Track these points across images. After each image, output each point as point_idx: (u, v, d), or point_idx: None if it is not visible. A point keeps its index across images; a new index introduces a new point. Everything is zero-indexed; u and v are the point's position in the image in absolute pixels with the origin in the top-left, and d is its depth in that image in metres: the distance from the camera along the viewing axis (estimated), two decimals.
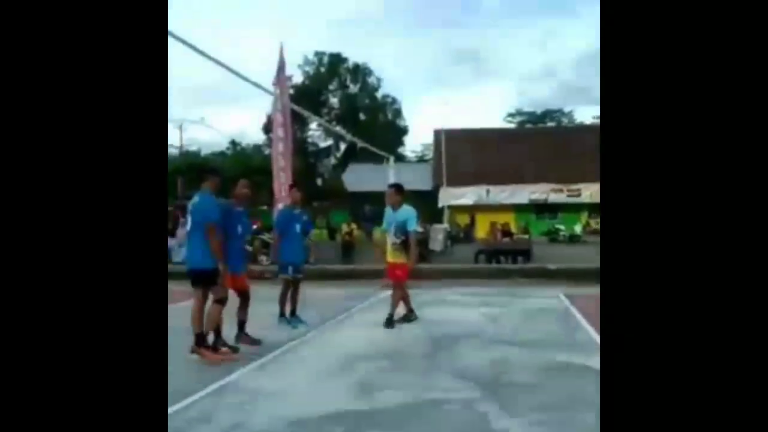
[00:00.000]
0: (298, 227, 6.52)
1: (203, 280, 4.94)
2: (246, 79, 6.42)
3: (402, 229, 6.42)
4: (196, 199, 5.08)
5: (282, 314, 6.48)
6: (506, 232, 15.83)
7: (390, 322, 6.44)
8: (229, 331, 5.48)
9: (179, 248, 14.15)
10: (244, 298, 5.60)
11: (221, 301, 4.98)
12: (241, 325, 5.64)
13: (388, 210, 6.63)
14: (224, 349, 5.25)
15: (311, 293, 8.27)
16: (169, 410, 3.66)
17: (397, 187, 6.71)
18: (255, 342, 5.61)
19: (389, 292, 6.86)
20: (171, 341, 4.95)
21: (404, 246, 6.45)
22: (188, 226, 5.08)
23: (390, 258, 6.61)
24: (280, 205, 7.70)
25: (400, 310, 6.75)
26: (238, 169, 24.22)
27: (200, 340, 4.92)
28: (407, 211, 6.47)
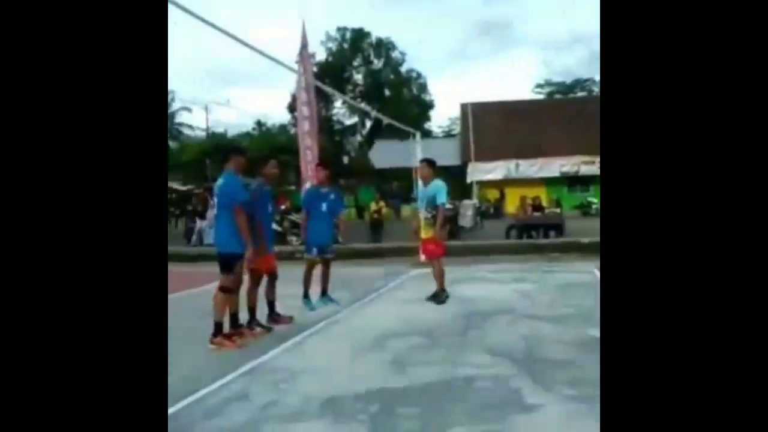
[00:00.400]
0: (324, 206, 6.42)
1: (224, 263, 4.85)
2: (269, 57, 6.37)
3: (432, 203, 6.42)
4: (220, 180, 4.99)
5: (306, 295, 6.42)
6: (537, 207, 15.57)
7: (437, 296, 6.47)
8: (260, 313, 5.55)
9: (209, 229, 14.38)
10: (272, 278, 5.64)
11: (228, 290, 4.84)
12: (271, 305, 5.70)
13: (420, 185, 6.63)
14: (257, 329, 5.33)
15: (341, 272, 8.30)
16: (204, 391, 3.74)
17: (428, 161, 6.72)
18: (287, 320, 5.69)
19: (421, 270, 6.86)
20: (203, 324, 5.06)
21: (435, 220, 6.42)
22: (215, 208, 5.09)
23: (423, 234, 6.61)
24: (307, 185, 7.64)
25: (433, 287, 6.72)
26: (264, 149, 24.32)
27: (217, 329, 4.84)
28: (437, 185, 6.47)
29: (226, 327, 4.95)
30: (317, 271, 6.53)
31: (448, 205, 15.82)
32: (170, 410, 3.41)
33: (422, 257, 6.72)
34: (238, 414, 3.33)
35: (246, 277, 5.27)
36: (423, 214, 6.55)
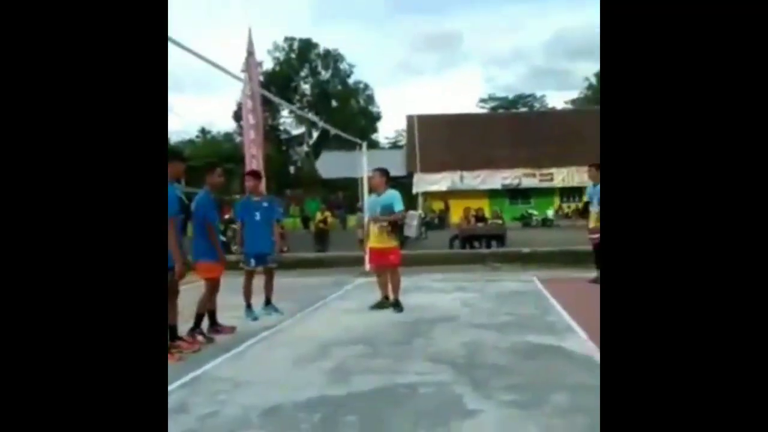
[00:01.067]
0: (258, 215, 6.29)
1: None
2: (214, 65, 6.27)
3: (389, 213, 6.44)
4: None
5: (248, 305, 6.35)
6: (480, 218, 15.94)
7: (398, 306, 6.51)
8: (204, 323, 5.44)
9: None
10: (215, 287, 5.56)
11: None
12: (212, 315, 5.60)
13: (371, 196, 6.63)
14: (199, 338, 5.27)
15: (286, 282, 8.23)
16: None
17: (382, 171, 6.68)
18: (229, 330, 5.61)
19: (366, 279, 6.88)
20: None
21: (393, 229, 6.46)
22: None
23: (377, 243, 6.58)
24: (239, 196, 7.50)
25: (377, 296, 6.77)
26: (209, 157, 23.84)
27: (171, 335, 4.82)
28: (392, 194, 6.53)
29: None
30: (259, 281, 6.45)
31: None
32: None
33: (368, 266, 6.71)
34: (175, 426, 3.24)
35: (197, 286, 5.21)
36: (378, 225, 6.51)
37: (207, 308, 5.52)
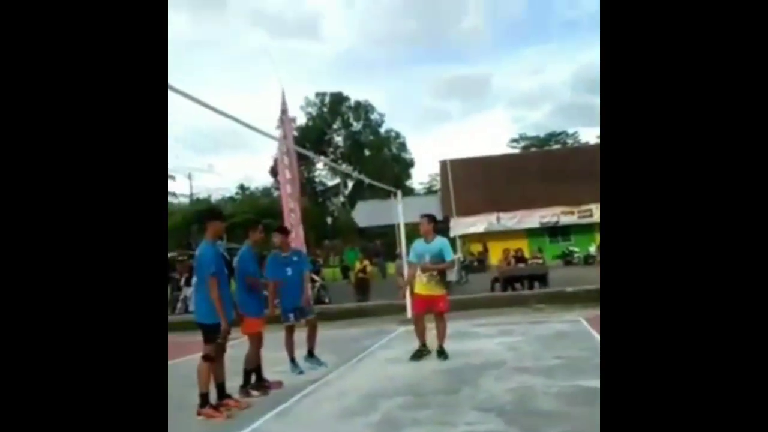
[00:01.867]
0: (289, 270, 6.34)
1: (204, 334, 4.82)
2: (250, 127, 6.55)
3: (439, 260, 6.42)
4: (198, 250, 5.00)
5: (292, 360, 6.38)
6: (520, 258, 15.72)
7: (443, 353, 6.44)
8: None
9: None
10: (259, 342, 5.64)
11: (209, 359, 4.82)
12: (258, 370, 5.66)
13: (418, 242, 6.60)
14: (253, 393, 5.37)
15: (329, 333, 8.26)
16: None
17: (429, 217, 6.69)
18: (277, 385, 5.66)
19: (408, 327, 6.84)
20: (192, 394, 4.99)
21: (442, 277, 6.47)
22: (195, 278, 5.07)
23: (424, 291, 6.51)
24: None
25: (415, 344, 6.71)
26: (248, 213, 24.41)
27: (203, 400, 4.79)
28: (442, 242, 6.53)
29: (213, 397, 4.88)
30: (301, 334, 6.50)
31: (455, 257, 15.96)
32: None
33: (410, 313, 6.63)
34: None
35: (242, 342, 5.30)
36: (428, 274, 6.45)
37: (254, 364, 5.59)
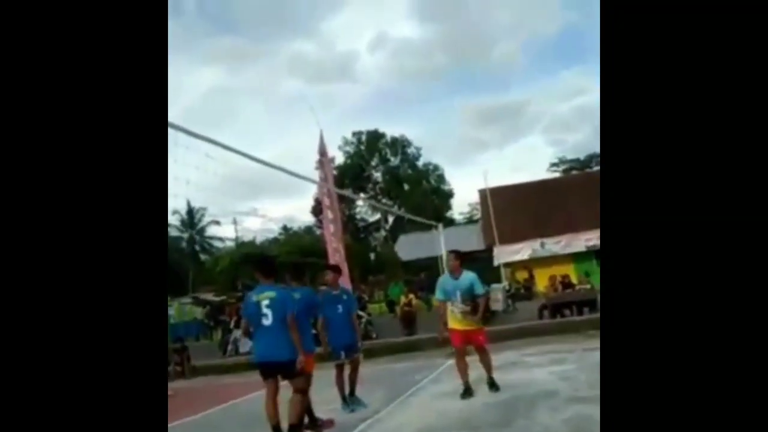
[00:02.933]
0: (340, 308, 6.43)
1: (282, 371, 5.06)
2: (290, 173, 6.81)
3: (470, 295, 6.33)
4: (272, 294, 5.18)
5: (344, 398, 6.41)
6: (567, 284, 15.42)
7: (494, 385, 6.40)
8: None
9: (244, 339, 14.52)
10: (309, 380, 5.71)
11: (303, 391, 5.08)
12: (309, 410, 5.70)
13: (445, 279, 6.55)
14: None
15: (378, 369, 8.28)
16: None
17: (456, 253, 6.66)
18: (329, 424, 5.71)
19: (454, 361, 6.79)
20: None
21: (474, 311, 6.36)
22: (266, 320, 5.16)
23: (460, 326, 6.39)
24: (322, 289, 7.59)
25: (458, 381, 6.61)
26: (293, 253, 24.84)
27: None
28: (470, 277, 6.41)
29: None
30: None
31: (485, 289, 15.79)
32: None
33: (454, 345, 6.51)
34: None
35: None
36: (459, 308, 6.36)
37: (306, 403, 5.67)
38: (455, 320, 6.43)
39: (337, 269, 7.11)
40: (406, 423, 5.48)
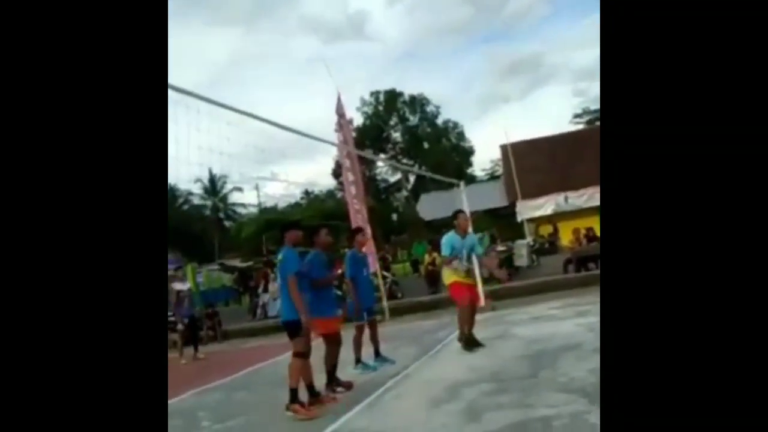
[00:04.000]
0: (365, 271, 6.64)
1: (288, 332, 5.12)
2: (309, 136, 6.78)
3: (471, 254, 6.69)
4: (279, 255, 5.36)
5: (358, 360, 6.50)
6: (592, 237, 15.30)
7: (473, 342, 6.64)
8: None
9: (273, 302, 14.83)
10: (337, 343, 5.77)
11: (300, 354, 5.06)
12: (333, 370, 5.78)
13: (454, 237, 6.70)
14: (337, 389, 5.57)
15: (405, 327, 8.41)
16: None
17: (465, 216, 7.01)
18: (348, 385, 5.77)
19: (483, 315, 6.92)
20: (279, 394, 5.26)
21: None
22: (278, 281, 5.45)
23: (466, 280, 6.74)
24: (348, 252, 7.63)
25: (494, 330, 6.76)
26: (315, 217, 25.02)
27: (293, 396, 5.01)
28: (474, 238, 6.84)
29: (303, 394, 5.10)
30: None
31: (501, 247, 15.77)
32: None
33: (460, 296, 6.67)
34: None
35: (318, 343, 5.53)
36: (464, 266, 6.65)
37: (330, 363, 5.74)
38: (460, 276, 6.62)
39: (362, 230, 7.20)
40: (435, 378, 5.59)
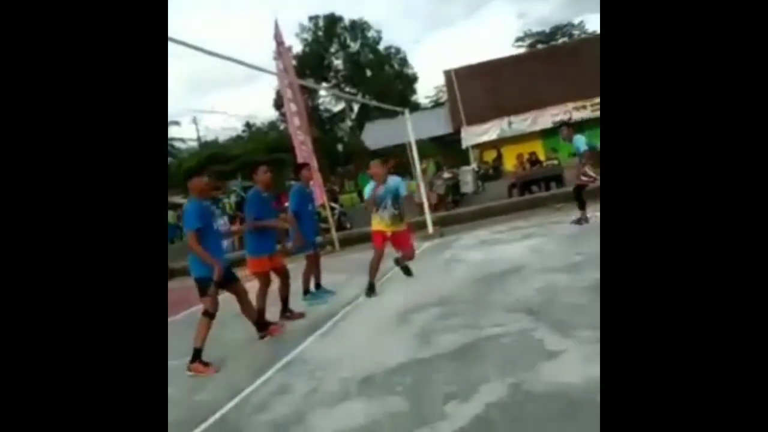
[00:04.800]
0: (310, 206, 6.69)
1: (198, 288, 4.76)
2: (247, 65, 6.44)
3: (396, 198, 6.49)
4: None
5: (306, 291, 6.62)
6: (534, 161, 15.68)
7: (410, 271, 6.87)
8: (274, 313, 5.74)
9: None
10: (284, 276, 5.84)
11: (208, 314, 4.70)
12: (285, 301, 5.91)
13: (369, 185, 6.62)
14: (278, 323, 5.59)
15: (354, 257, 8.49)
16: (249, 388, 3.96)
17: (382, 161, 6.76)
18: (298, 316, 5.89)
19: (429, 243, 6.98)
20: (227, 332, 5.24)
21: (402, 214, 6.62)
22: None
23: (386, 228, 6.54)
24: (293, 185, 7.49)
25: (445, 256, 6.90)
26: (259, 150, 24.39)
27: (195, 355, 4.68)
28: (397, 180, 6.59)
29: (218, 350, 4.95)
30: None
31: (447, 174, 15.91)
32: (217, 413, 3.64)
33: (377, 246, 6.48)
34: (283, 407, 3.55)
35: (253, 283, 5.56)
36: (390, 212, 6.47)
37: (282, 294, 5.84)
38: (383, 223, 6.52)
39: (307, 165, 7.12)
40: (385, 305, 5.71)
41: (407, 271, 6.91)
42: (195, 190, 4.84)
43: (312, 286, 6.70)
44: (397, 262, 6.93)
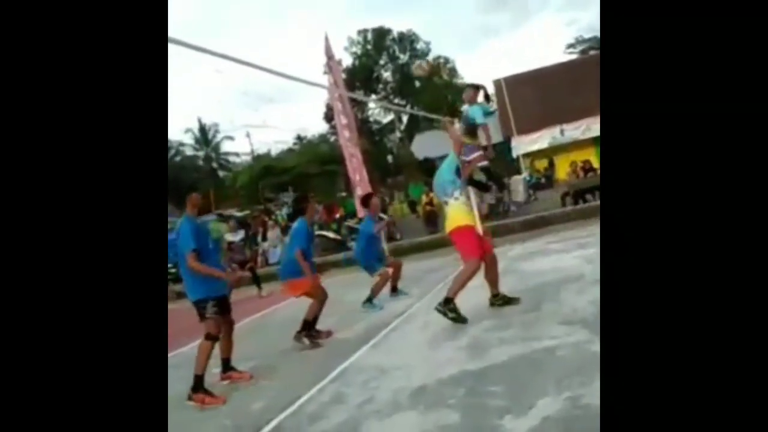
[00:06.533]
0: (373, 235, 7.44)
1: (197, 309, 4.51)
2: (298, 79, 6.58)
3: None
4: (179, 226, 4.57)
5: (369, 299, 6.98)
6: (588, 169, 15.30)
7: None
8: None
9: (273, 249, 14.93)
10: (320, 296, 5.73)
11: (210, 337, 4.45)
12: (310, 323, 5.70)
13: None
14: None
15: (406, 268, 8.47)
16: (304, 397, 4.02)
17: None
18: (325, 335, 5.77)
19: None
20: (284, 339, 5.33)
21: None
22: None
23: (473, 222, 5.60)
24: (362, 213, 8.02)
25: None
26: (311, 163, 24.84)
27: (196, 384, 4.35)
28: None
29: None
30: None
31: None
32: (274, 421, 3.70)
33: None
34: (337, 415, 3.58)
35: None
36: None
37: (311, 315, 5.66)
38: (471, 217, 6.20)
39: (375, 196, 8.17)
40: (437, 317, 5.66)
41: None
42: (191, 206, 4.59)
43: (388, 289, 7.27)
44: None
